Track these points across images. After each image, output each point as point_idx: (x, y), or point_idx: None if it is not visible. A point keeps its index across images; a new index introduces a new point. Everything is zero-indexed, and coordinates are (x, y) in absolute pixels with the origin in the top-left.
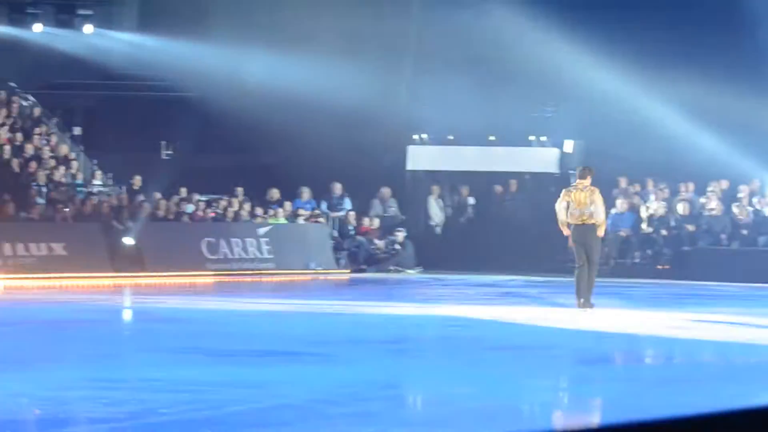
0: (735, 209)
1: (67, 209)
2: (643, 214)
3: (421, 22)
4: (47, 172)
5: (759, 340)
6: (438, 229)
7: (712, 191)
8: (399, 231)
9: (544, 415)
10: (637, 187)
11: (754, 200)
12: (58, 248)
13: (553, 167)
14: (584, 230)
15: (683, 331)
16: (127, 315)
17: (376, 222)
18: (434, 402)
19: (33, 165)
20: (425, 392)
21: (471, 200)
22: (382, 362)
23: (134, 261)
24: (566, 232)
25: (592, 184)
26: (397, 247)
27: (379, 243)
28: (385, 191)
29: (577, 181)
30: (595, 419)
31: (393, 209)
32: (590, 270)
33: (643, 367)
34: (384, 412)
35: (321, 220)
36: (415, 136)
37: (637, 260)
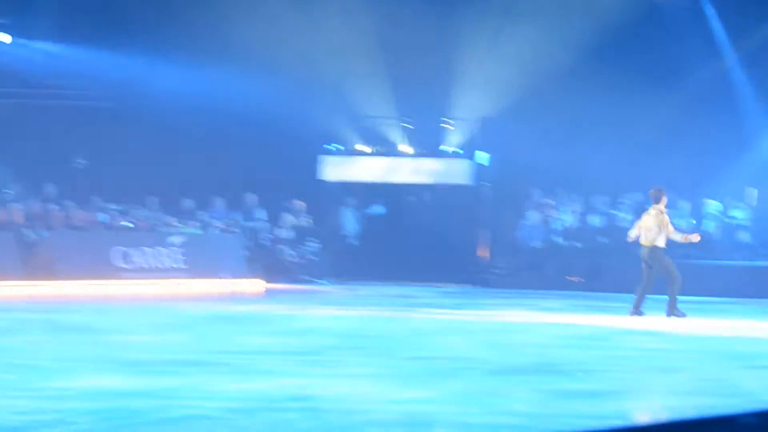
0: None
1: None
2: (556, 225)
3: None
4: None
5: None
6: (351, 240)
7: (624, 204)
8: (312, 241)
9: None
10: (551, 200)
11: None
12: None
13: (466, 179)
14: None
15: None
16: (38, 324)
17: (290, 232)
18: (348, 411)
19: None
20: (339, 402)
21: (382, 210)
22: (296, 372)
23: (47, 269)
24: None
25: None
26: (311, 257)
27: (293, 253)
28: (298, 203)
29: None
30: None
31: (306, 220)
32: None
33: (565, 379)
34: (297, 422)
35: (234, 230)
36: (329, 147)
37: (549, 272)
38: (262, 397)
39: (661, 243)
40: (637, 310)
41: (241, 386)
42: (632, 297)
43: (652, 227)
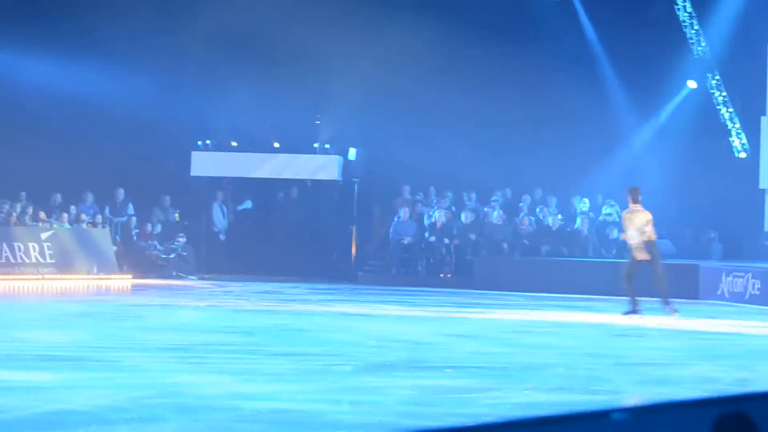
0: (519, 219)
1: None
2: (427, 222)
3: (208, 23)
4: None
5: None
6: (221, 236)
7: (495, 200)
8: (180, 237)
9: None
10: (421, 196)
11: (537, 210)
12: None
13: (335, 175)
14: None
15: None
16: None
17: (159, 228)
18: (217, 408)
19: None
20: (208, 398)
21: (250, 205)
22: (165, 368)
23: None
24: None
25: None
26: (180, 253)
27: (162, 249)
28: (166, 199)
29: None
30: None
31: (175, 215)
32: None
33: (435, 375)
34: (167, 417)
35: (103, 225)
36: (199, 142)
37: (420, 269)
38: (132, 392)
39: (653, 237)
40: (670, 306)
41: (111, 382)
42: (502, 294)
43: (644, 224)
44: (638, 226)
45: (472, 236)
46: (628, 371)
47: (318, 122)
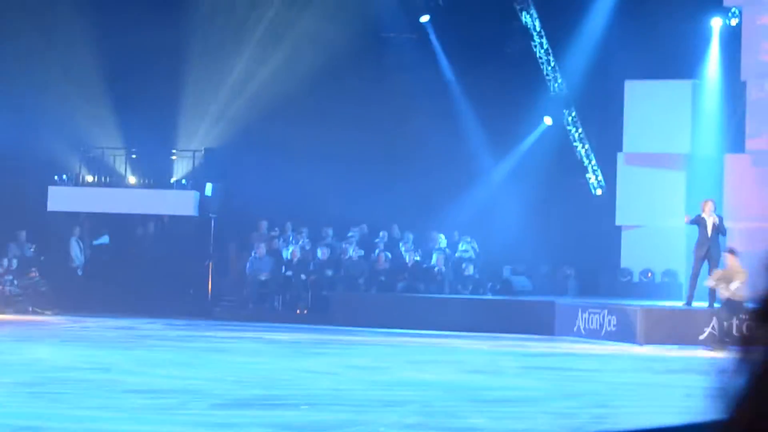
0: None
1: None
2: (283, 257)
3: (66, 55)
4: None
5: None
6: (78, 271)
7: (351, 236)
8: (33, 272)
9: None
10: (277, 231)
11: (401, 245)
12: None
13: (191, 210)
14: None
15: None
16: None
17: (15, 263)
18: None
19: None
20: None
21: (107, 240)
22: (21, 405)
23: None
24: None
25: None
26: (35, 288)
27: (16, 284)
28: (21, 234)
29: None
30: None
31: (31, 250)
32: None
33: (290, 411)
34: None
35: None
36: (56, 177)
37: (276, 304)
38: None
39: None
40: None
41: None
42: (358, 330)
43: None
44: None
45: (329, 272)
46: (484, 408)
47: (174, 157)
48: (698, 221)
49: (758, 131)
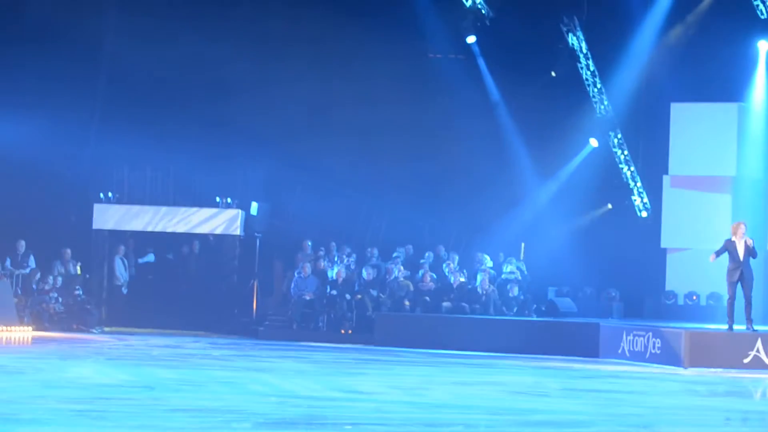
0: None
1: None
2: (328, 276)
3: (112, 75)
4: None
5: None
6: (123, 289)
7: (397, 256)
8: (77, 289)
9: None
10: (323, 251)
11: (444, 266)
12: None
13: (237, 229)
14: None
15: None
16: None
17: (60, 281)
18: None
19: None
20: None
21: (152, 258)
22: (66, 423)
23: None
24: None
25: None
26: (81, 306)
27: (63, 301)
28: (67, 252)
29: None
30: None
31: (77, 267)
32: None
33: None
34: None
35: (3, 277)
36: (102, 195)
37: (321, 324)
38: None
39: None
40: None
41: None
42: (402, 350)
43: None
44: None
45: (374, 292)
46: (528, 430)
47: (220, 177)
48: (727, 246)
49: None
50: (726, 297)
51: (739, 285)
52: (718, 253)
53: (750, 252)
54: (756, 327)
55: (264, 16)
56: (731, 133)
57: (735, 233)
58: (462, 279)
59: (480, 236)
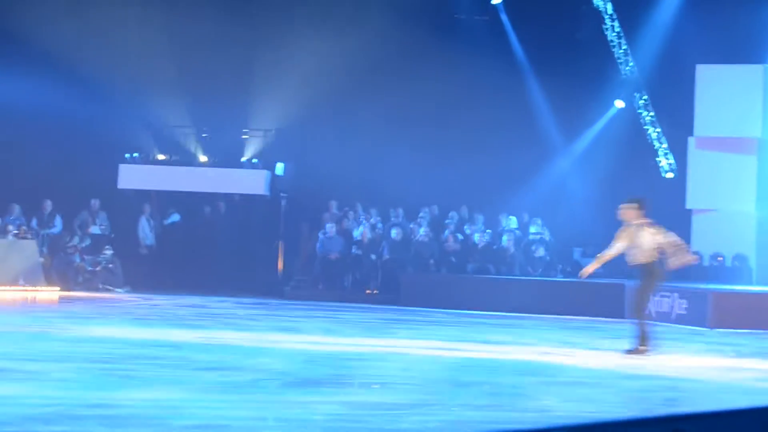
0: (445, 236)
1: None
2: (354, 237)
3: (137, 34)
4: None
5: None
6: (147, 249)
7: (422, 217)
8: (107, 250)
9: None
10: (348, 211)
11: (466, 228)
12: None
13: (262, 189)
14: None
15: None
16: None
17: (87, 241)
18: (146, 420)
19: None
20: (137, 410)
21: (177, 218)
22: (93, 381)
23: None
24: None
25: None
26: (107, 265)
27: (89, 261)
28: (95, 202)
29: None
30: None
31: (103, 227)
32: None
33: (362, 391)
34: (96, 430)
35: (30, 236)
36: (127, 155)
37: (346, 284)
38: (60, 405)
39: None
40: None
41: (38, 393)
42: (428, 311)
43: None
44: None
45: (399, 252)
46: (555, 390)
47: (245, 136)
48: None
49: None
50: (760, 256)
51: None
52: None
53: None
54: None
55: None
56: (757, 94)
57: None
58: (486, 239)
59: (505, 197)
